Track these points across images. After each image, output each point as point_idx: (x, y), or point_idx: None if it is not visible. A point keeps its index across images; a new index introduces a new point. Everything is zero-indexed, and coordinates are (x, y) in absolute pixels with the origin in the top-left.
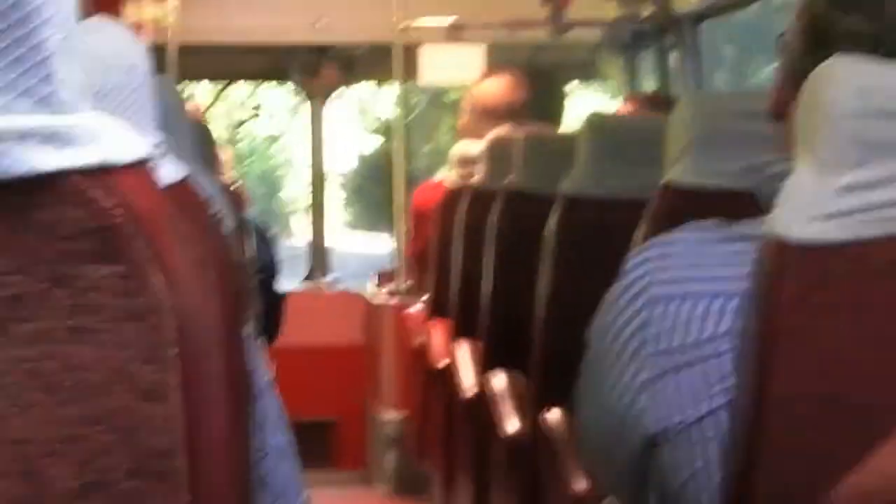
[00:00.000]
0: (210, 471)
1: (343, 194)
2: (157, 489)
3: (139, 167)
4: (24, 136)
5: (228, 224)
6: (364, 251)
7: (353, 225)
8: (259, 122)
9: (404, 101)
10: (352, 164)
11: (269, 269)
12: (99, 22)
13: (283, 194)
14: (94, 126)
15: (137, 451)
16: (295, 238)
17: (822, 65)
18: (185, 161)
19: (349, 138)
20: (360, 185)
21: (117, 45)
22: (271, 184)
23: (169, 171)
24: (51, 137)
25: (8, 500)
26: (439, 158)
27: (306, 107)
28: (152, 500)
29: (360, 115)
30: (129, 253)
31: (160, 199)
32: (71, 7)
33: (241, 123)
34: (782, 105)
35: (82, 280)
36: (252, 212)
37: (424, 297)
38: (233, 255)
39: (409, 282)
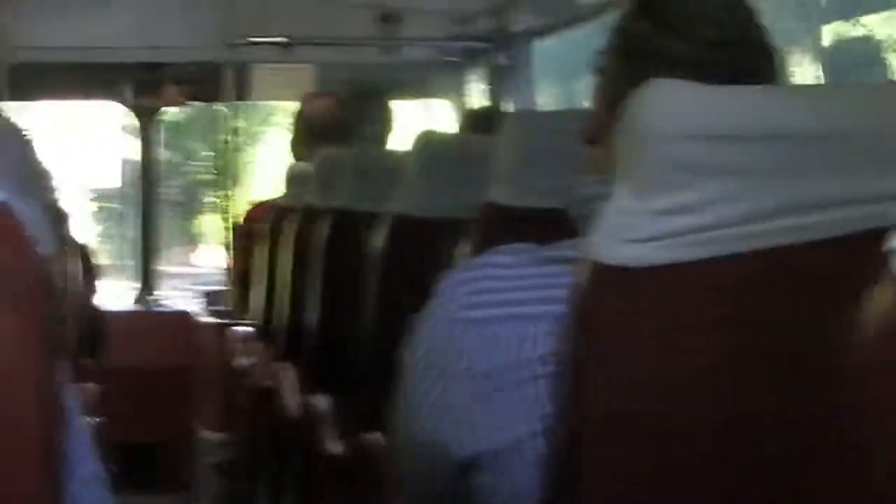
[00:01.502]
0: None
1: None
2: None
3: None
4: None
5: (49, 245)
6: (186, 270)
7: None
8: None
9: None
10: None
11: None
12: None
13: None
14: None
15: None
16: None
17: (641, 89)
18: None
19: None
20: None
21: None
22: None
23: None
24: None
25: None
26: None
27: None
28: None
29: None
30: None
31: None
32: None
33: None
34: (596, 129)
35: None
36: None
37: (250, 317)
38: (50, 280)
39: (237, 302)
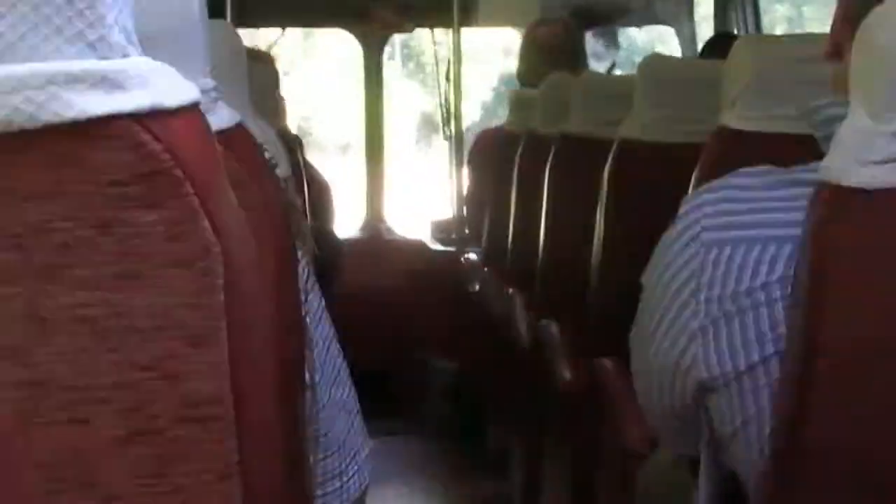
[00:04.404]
0: (257, 418)
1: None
2: (204, 436)
3: (189, 112)
4: (73, 80)
5: (284, 170)
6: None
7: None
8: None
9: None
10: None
11: (324, 216)
12: None
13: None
14: (144, 70)
15: (184, 398)
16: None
17: (878, 7)
18: (241, 106)
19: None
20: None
21: None
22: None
23: (222, 117)
24: (100, 82)
25: (55, 448)
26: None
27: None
28: (199, 447)
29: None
30: (177, 198)
31: (209, 145)
32: None
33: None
34: (838, 45)
35: (130, 225)
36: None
37: (480, 245)
38: (287, 200)
39: (466, 230)
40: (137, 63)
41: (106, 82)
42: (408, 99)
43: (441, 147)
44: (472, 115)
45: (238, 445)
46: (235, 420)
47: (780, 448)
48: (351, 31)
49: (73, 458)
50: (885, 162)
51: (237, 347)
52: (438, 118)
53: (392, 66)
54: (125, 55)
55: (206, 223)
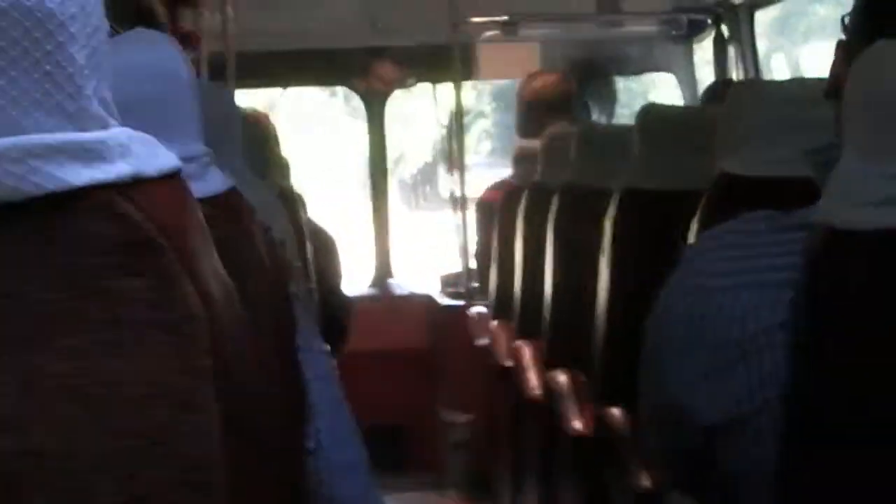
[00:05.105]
0: (250, 482)
1: None
2: (197, 500)
3: (170, 180)
4: (53, 152)
5: (282, 231)
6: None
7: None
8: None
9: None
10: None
11: (330, 274)
12: (138, 33)
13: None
14: (124, 140)
15: (175, 463)
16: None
17: (870, 48)
18: (236, 169)
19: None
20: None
21: (154, 56)
22: None
23: (214, 182)
24: (80, 153)
25: None
26: None
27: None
28: None
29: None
30: (161, 265)
31: (192, 211)
32: (99, 21)
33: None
34: (839, 83)
35: (115, 294)
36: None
37: (488, 297)
38: (281, 263)
39: (474, 283)
40: (117, 133)
41: (86, 153)
42: (355, 140)
43: (393, 193)
44: (425, 157)
45: None
46: (228, 484)
47: (787, 490)
48: (353, 88)
49: None
50: (880, 204)
51: (227, 412)
52: (389, 162)
53: (334, 104)
54: (104, 126)
55: (190, 289)
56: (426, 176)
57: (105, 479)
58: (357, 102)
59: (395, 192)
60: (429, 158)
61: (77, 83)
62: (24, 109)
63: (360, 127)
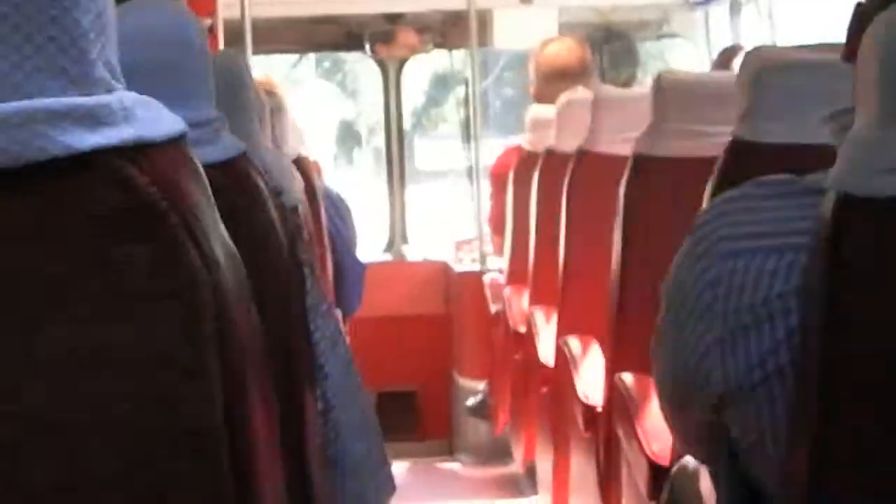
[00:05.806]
0: (254, 447)
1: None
2: (199, 468)
3: (174, 144)
4: (57, 116)
5: (296, 197)
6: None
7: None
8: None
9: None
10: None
11: (344, 240)
12: None
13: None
14: (128, 105)
15: (179, 431)
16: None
17: (883, 12)
18: (251, 135)
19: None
20: None
21: (165, 21)
22: None
23: (225, 147)
24: (84, 117)
25: (54, 482)
26: None
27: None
28: (194, 479)
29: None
30: (164, 231)
31: (196, 176)
32: None
33: None
34: (854, 49)
35: (118, 260)
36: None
37: (502, 264)
38: (293, 228)
39: (489, 249)
40: (121, 97)
41: (89, 118)
42: (324, 105)
43: (364, 163)
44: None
45: (235, 475)
46: (231, 450)
47: (797, 461)
48: (370, 54)
49: (69, 492)
50: (894, 170)
51: (231, 377)
52: (360, 128)
53: (304, 66)
54: (109, 90)
55: (194, 254)
56: (349, 132)
57: (105, 445)
58: (329, 64)
59: (370, 164)
60: (352, 113)
61: (81, 47)
62: (28, 74)
63: (332, 90)
